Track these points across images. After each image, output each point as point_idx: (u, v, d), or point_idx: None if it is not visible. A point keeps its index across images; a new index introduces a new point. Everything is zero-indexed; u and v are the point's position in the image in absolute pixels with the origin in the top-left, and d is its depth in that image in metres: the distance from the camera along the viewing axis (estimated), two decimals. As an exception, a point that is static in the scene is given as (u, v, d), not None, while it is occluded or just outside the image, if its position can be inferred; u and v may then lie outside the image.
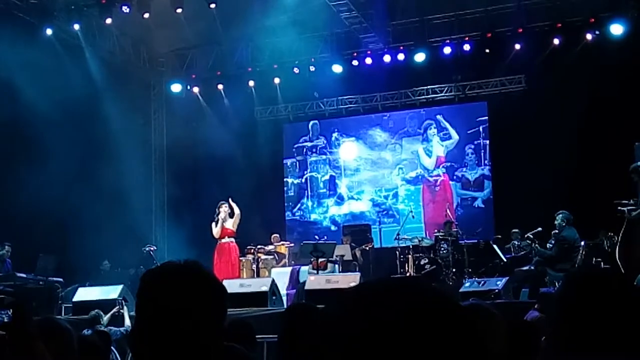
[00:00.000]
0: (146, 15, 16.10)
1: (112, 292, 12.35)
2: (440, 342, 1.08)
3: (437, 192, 19.33)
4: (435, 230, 16.88)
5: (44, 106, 14.72)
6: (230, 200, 14.66)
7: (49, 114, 14.77)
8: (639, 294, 2.11)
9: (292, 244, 16.58)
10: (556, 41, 17.09)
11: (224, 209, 14.50)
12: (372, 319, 1.09)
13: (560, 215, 12.46)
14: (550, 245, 12.89)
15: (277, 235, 16.89)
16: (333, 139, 20.36)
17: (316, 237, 17.16)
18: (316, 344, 1.14)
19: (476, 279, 13.21)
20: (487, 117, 18.88)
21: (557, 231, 12.57)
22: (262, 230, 16.95)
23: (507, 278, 12.22)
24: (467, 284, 12.46)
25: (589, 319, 2.01)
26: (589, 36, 16.80)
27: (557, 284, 11.61)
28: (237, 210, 14.54)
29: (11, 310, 2.79)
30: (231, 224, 14.47)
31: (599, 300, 2.03)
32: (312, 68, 18.93)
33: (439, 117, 19.40)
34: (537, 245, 12.97)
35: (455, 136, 19.23)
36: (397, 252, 16.06)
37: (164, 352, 1.91)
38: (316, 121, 20.45)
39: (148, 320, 1.96)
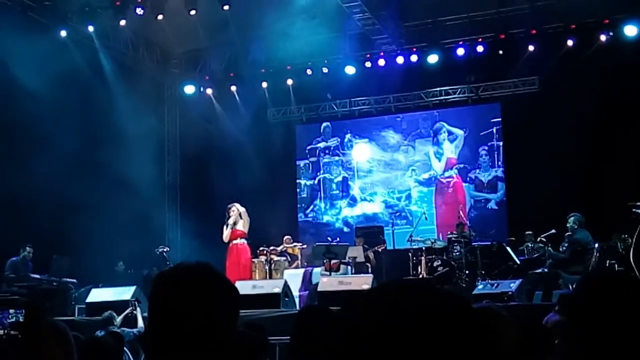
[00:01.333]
0: (160, 17, 16.16)
1: (125, 293, 12.40)
2: (451, 345, 1.08)
3: (450, 193, 19.29)
4: (448, 232, 16.83)
5: (58, 108, 14.81)
6: (236, 205, 14.68)
7: (63, 116, 14.87)
8: None
9: (305, 246, 16.58)
10: (570, 42, 17.03)
11: (233, 211, 14.54)
12: (385, 321, 1.10)
13: (573, 218, 12.41)
14: (564, 248, 12.84)
15: (289, 236, 16.89)
16: (346, 140, 20.35)
17: (329, 238, 17.16)
18: (329, 345, 1.15)
19: (489, 281, 13.16)
20: (500, 119, 18.82)
21: (570, 233, 12.52)
22: (275, 232, 16.97)
23: (521, 280, 12.17)
24: (480, 286, 12.43)
25: (602, 322, 2.01)
26: (602, 37, 16.73)
27: (570, 286, 11.57)
28: (242, 209, 14.56)
29: (24, 310, 2.79)
30: (242, 225, 14.50)
31: (612, 303, 2.02)
32: (325, 69, 18.95)
33: (442, 123, 19.38)
34: (549, 248, 12.93)
35: (459, 132, 19.18)
36: (410, 254, 16.03)
37: (176, 353, 1.92)
38: (328, 123, 20.47)
39: (160, 322, 1.97)
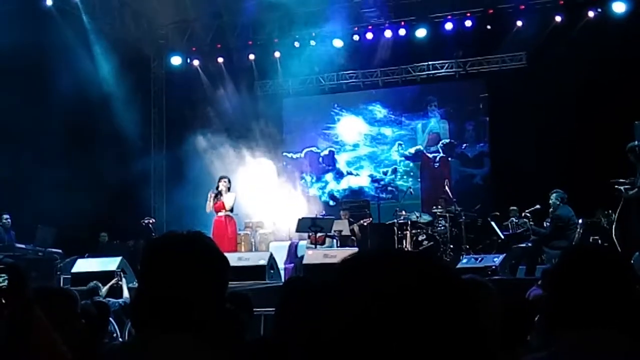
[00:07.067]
0: (147, -13, 16.01)
1: (110, 263, 12.39)
2: (438, 313, 1.09)
3: (436, 168, 19.32)
4: (434, 207, 16.88)
5: (42, 77, 14.68)
6: (225, 179, 14.57)
7: (47, 85, 14.74)
8: (629, 269, 2.14)
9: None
10: (558, 18, 17.03)
11: (222, 184, 14.42)
12: (372, 289, 1.10)
13: (555, 194, 12.47)
14: (547, 223, 12.92)
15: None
16: (333, 114, 20.30)
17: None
18: (314, 316, 1.15)
19: (473, 255, 13.25)
20: (487, 94, 18.83)
21: (552, 209, 12.58)
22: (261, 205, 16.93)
23: (505, 255, 12.25)
24: (465, 260, 12.50)
25: (581, 295, 2.04)
26: (590, 14, 16.74)
27: (553, 261, 11.65)
28: (228, 185, 14.40)
29: (7, 274, 2.73)
30: (227, 199, 14.39)
31: (589, 276, 2.05)
32: (312, 42, 18.85)
33: (432, 97, 19.41)
34: (531, 223, 13.00)
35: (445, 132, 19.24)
36: (395, 228, 16.07)
37: (164, 321, 1.93)
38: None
39: (150, 290, 1.98)
